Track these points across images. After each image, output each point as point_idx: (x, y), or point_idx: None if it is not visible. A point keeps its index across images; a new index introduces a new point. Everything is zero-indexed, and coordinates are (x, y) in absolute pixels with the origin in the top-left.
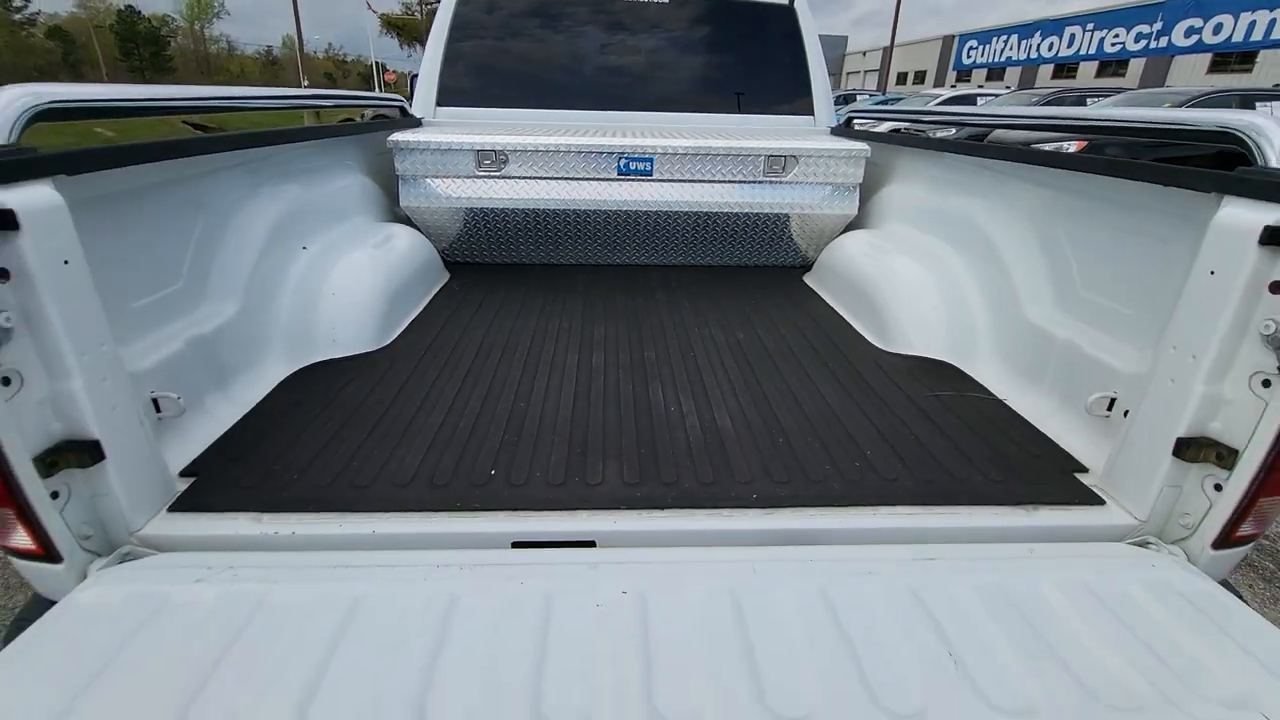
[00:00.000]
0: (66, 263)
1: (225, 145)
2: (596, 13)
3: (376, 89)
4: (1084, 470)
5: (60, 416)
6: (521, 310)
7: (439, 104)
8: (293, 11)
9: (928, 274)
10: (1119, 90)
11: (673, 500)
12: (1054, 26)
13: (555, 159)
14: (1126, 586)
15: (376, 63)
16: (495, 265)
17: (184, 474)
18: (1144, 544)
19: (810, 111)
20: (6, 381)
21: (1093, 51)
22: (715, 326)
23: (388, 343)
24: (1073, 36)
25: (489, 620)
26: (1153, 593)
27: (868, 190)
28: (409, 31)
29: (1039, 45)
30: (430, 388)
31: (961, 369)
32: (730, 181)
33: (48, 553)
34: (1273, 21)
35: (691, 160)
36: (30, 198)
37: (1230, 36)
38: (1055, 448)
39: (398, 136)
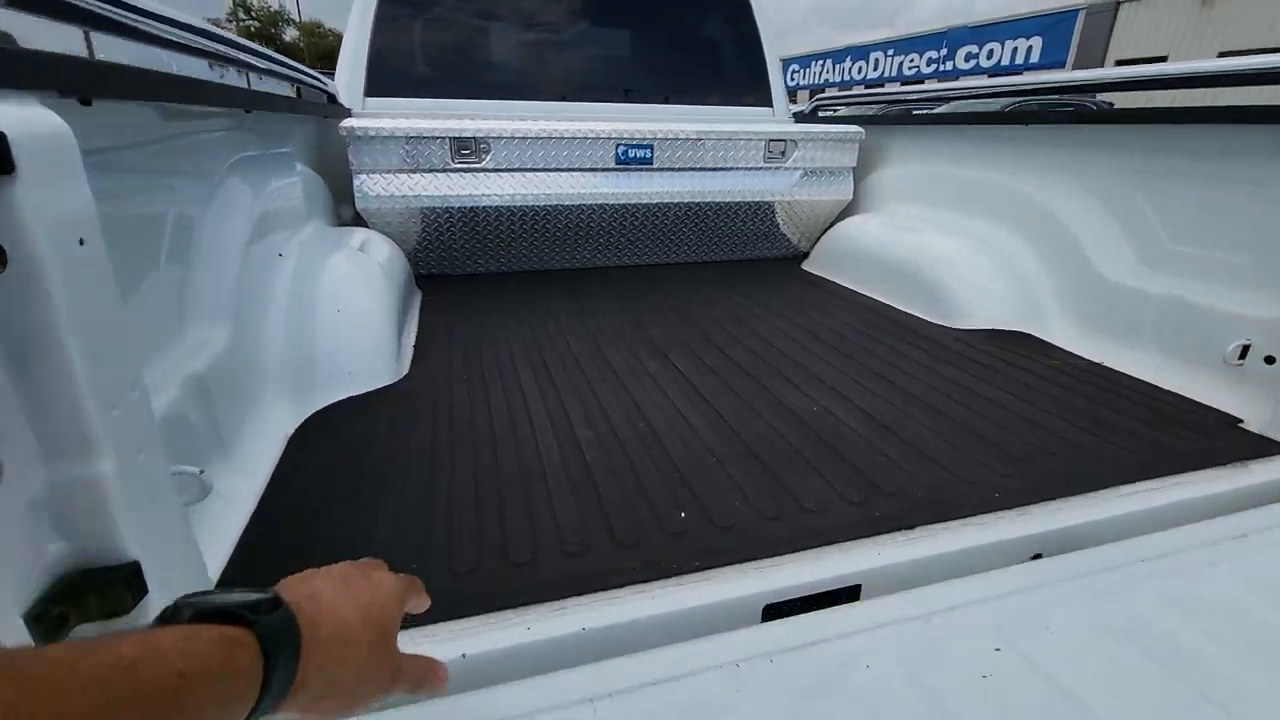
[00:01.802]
0: (82, 243)
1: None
2: None
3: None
4: (1239, 421)
5: (68, 527)
6: (534, 321)
7: (368, 94)
8: None
9: (970, 246)
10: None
11: (922, 515)
12: (861, 52)
13: (545, 148)
14: None
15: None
16: (470, 277)
17: None
18: None
19: (769, 103)
20: None
21: (894, 74)
22: (762, 322)
23: (405, 374)
24: (877, 61)
25: None
26: None
27: (858, 174)
28: None
29: (850, 68)
30: (497, 423)
31: (1039, 336)
32: (732, 169)
33: None
34: (1030, 48)
35: (692, 147)
36: (29, 122)
37: (1000, 60)
38: (1194, 404)
39: (354, 123)
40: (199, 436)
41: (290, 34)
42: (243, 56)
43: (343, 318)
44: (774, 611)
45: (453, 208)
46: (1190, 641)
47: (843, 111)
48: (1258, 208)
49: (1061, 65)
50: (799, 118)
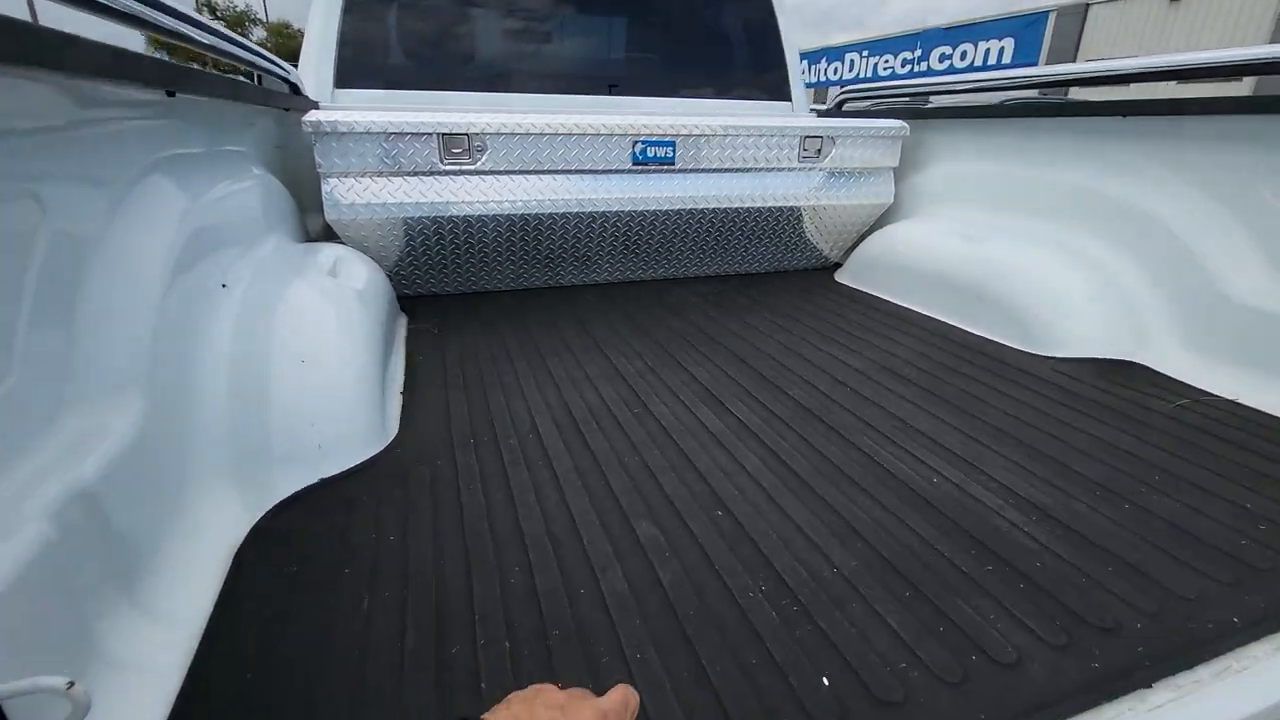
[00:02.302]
0: None
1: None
2: None
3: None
4: None
5: None
6: (548, 357)
7: (338, 85)
8: None
9: (1055, 257)
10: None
11: (1157, 664)
12: (836, 53)
13: (550, 146)
14: None
15: None
16: (462, 297)
17: None
18: None
19: (788, 97)
20: None
21: (869, 75)
22: (820, 352)
23: (392, 438)
24: (852, 62)
25: None
26: None
27: (897, 175)
28: None
29: (826, 69)
30: (525, 520)
31: (1151, 367)
32: (763, 169)
33: None
34: (1002, 49)
35: (720, 145)
36: None
37: (973, 61)
38: None
39: (321, 116)
40: (81, 588)
41: (258, 34)
42: (184, 28)
43: (308, 370)
44: None
45: (442, 217)
46: None
47: (870, 106)
48: None
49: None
50: (822, 115)
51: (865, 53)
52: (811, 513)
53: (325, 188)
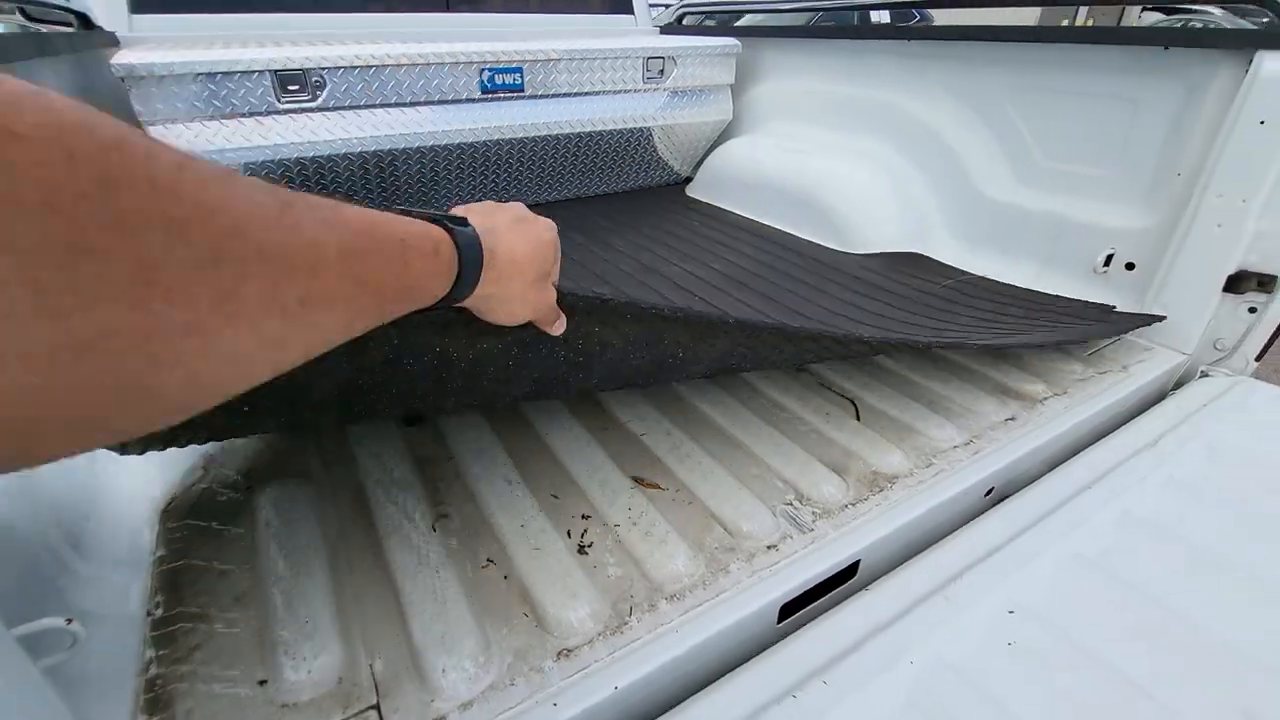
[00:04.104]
0: None
1: None
2: None
3: None
4: (1112, 306)
5: None
6: None
7: (135, 10)
8: None
9: (863, 166)
10: None
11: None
12: None
13: (395, 77)
14: (1235, 431)
15: None
16: None
17: None
18: (1200, 374)
19: (630, 10)
20: None
21: None
22: (675, 268)
23: None
24: None
25: None
26: (1256, 424)
27: (735, 92)
28: None
29: None
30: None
31: (931, 256)
32: (610, 92)
33: None
34: None
35: (566, 69)
36: None
37: None
38: (1074, 303)
39: (132, 58)
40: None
41: None
42: None
43: None
44: (789, 609)
45: (289, 159)
46: (1161, 558)
47: (709, 23)
48: (1126, 125)
49: None
50: (664, 30)
51: None
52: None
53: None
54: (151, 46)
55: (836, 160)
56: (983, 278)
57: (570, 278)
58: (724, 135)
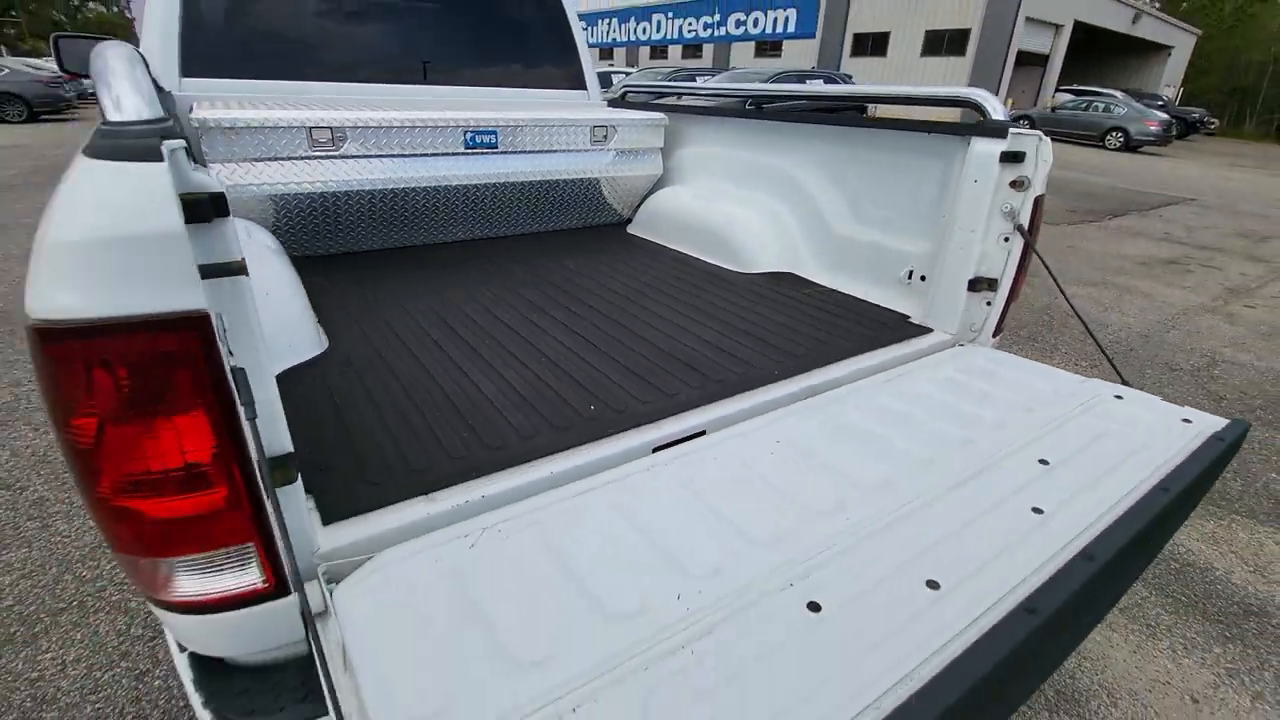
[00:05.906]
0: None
1: None
2: None
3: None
4: (908, 317)
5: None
6: (416, 291)
7: (185, 74)
8: None
9: (753, 211)
10: (701, 70)
11: (728, 388)
12: (643, 13)
13: (400, 135)
14: (954, 371)
15: None
16: (327, 259)
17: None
18: (959, 345)
19: (583, 86)
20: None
21: (676, 36)
22: (608, 278)
23: (326, 346)
24: (660, 23)
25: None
26: (971, 367)
27: (665, 153)
28: None
29: (635, 29)
30: (423, 369)
31: (799, 274)
32: (565, 151)
33: (279, 586)
34: (788, 18)
35: (531, 132)
36: None
37: (764, 29)
38: (885, 310)
39: (206, 114)
40: None
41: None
42: None
43: (272, 300)
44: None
45: (315, 194)
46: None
47: (646, 100)
48: (914, 183)
49: (812, 35)
50: (611, 104)
51: (670, 14)
52: (598, 361)
53: (210, 172)
54: (217, 106)
55: (734, 205)
56: (833, 289)
57: (535, 287)
58: (656, 186)
